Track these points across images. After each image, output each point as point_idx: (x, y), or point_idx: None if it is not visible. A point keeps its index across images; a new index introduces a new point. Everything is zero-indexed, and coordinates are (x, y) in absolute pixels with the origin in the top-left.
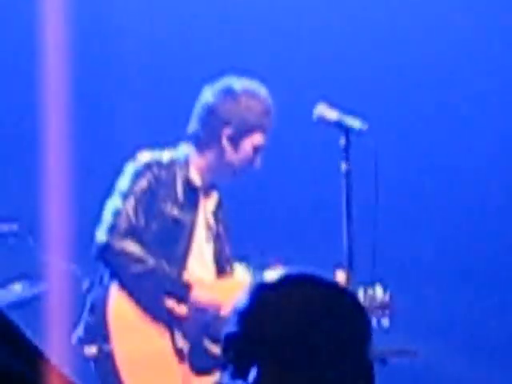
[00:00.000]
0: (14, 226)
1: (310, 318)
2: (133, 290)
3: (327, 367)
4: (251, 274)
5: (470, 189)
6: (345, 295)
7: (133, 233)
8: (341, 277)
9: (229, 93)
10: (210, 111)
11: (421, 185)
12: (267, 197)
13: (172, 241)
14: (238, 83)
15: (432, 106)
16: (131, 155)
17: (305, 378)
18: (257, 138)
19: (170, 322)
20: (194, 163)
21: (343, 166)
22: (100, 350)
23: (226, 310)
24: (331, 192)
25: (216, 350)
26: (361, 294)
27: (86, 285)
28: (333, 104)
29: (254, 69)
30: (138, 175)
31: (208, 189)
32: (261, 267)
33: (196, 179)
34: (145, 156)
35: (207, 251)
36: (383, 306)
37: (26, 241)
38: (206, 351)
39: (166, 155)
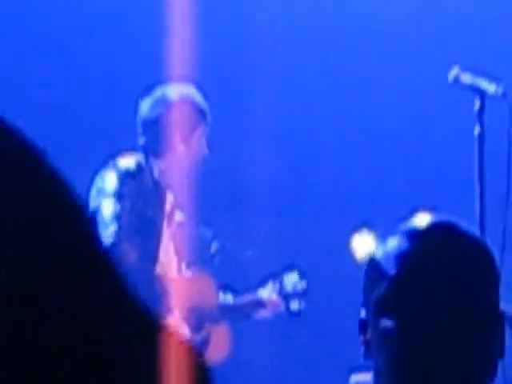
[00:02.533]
0: None
1: (452, 271)
2: None
3: (457, 326)
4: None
5: None
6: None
7: (126, 233)
8: None
9: (164, 102)
10: (151, 124)
11: None
12: (399, 156)
13: (149, 240)
14: (170, 90)
15: None
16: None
17: (435, 333)
18: (200, 132)
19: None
20: (155, 167)
21: (477, 130)
22: None
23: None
24: (464, 156)
25: None
26: None
27: None
28: (468, 67)
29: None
30: (125, 178)
31: (166, 189)
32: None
33: (161, 180)
34: (125, 161)
35: (170, 248)
36: None
37: None
38: None
39: (137, 160)
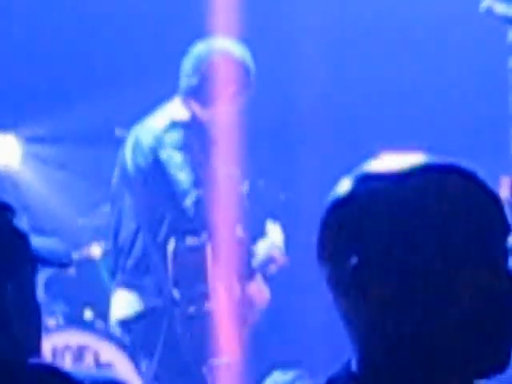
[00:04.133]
0: None
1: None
2: None
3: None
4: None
5: None
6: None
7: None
8: (505, 183)
9: (220, 53)
10: (203, 69)
11: None
12: (429, 91)
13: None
14: (227, 44)
15: None
16: None
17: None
18: (242, 96)
19: None
20: (200, 114)
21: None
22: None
23: None
24: (497, 89)
25: None
26: None
27: None
28: None
29: None
30: (184, 132)
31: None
32: None
33: (208, 131)
34: (177, 111)
35: None
36: None
37: None
38: None
39: (183, 110)
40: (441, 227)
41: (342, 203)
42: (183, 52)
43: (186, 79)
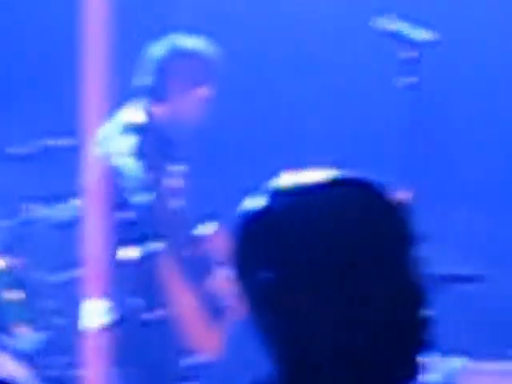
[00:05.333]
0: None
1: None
2: None
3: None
4: None
5: None
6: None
7: (160, 197)
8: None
9: (176, 49)
10: (160, 67)
11: (483, 99)
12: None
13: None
14: (185, 40)
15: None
16: None
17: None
18: (203, 91)
19: None
20: (157, 113)
21: (407, 80)
22: None
23: None
24: (388, 107)
25: None
26: None
27: None
28: (395, 15)
29: None
30: (140, 137)
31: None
32: None
33: (166, 132)
34: (132, 117)
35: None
36: None
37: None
38: None
39: (139, 112)
40: (349, 240)
41: (253, 218)
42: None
43: (142, 79)
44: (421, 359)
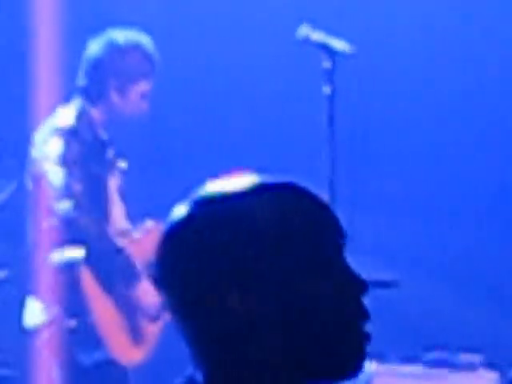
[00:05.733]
0: None
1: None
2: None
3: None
4: None
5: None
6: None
7: (82, 205)
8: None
9: (113, 45)
10: (96, 64)
11: (404, 111)
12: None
13: (99, 199)
14: (121, 35)
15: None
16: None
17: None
18: (142, 86)
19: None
20: (93, 114)
21: (326, 89)
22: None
23: None
24: (313, 115)
25: None
26: None
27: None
28: (318, 25)
29: None
30: (67, 141)
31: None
32: None
33: (101, 133)
34: (62, 120)
35: (118, 201)
36: None
37: None
38: None
39: (71, 114)
40: (278, 244)
41: (178, 228)
42: None
43: (80, 79)
44: (366, 351)
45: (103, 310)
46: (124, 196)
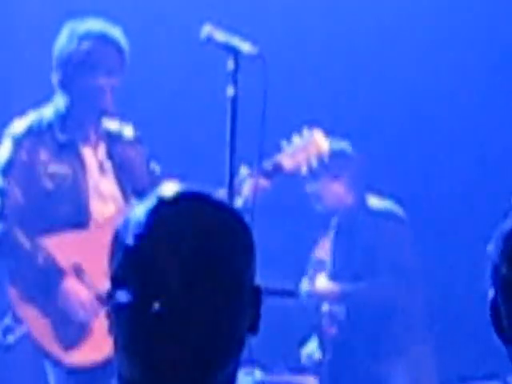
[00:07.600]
0: None
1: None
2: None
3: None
4: None
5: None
6: (232, 214)
7: (20, 217)
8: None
9: (82, 36)
10: (62, 57)
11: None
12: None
13: (62, 200)
14: (91, 25)
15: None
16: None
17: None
18: (112, 81)
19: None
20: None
21: (230, 91)
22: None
23: None
24: (217, 116)
25: None
26: None
27: None
28: (221, 25)
29: None
30: (15, 146)
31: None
32: None
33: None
34: (18, 125)
35: (106, 188)
36: None
37: None
38: None
39: (34, 119)
40: (189, 256)
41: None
42: None
43: (54, 74)
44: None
45: (32, 319)
46: (124, 165)
